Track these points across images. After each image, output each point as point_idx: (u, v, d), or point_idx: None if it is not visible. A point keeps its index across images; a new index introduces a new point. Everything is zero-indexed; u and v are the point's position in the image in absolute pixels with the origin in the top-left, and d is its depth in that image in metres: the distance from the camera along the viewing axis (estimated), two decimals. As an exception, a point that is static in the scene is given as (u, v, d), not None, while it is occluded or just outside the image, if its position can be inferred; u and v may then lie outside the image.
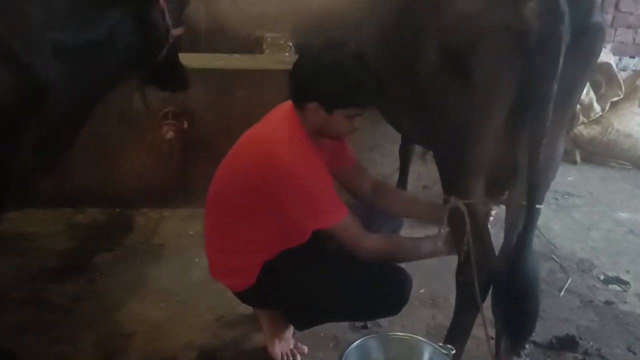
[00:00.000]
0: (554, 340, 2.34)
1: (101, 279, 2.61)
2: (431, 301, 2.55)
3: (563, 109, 1.66)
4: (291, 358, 2.19)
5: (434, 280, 2.57)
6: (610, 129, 4.01)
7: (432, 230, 1.96)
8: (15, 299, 2.43)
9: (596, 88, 3.99)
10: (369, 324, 2.34)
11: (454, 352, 1.79)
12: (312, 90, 1.78)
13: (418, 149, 3.22)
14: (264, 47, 3.45)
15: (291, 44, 3.48)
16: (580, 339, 2.37)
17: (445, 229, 1.85)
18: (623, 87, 4.00)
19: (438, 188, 1.96)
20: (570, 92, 1.69)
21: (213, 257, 2.06)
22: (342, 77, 1.73)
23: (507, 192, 1.88)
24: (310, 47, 1.84)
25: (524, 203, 1.66)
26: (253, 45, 3.50)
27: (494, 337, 1.94)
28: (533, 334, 2.07)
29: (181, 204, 3.15)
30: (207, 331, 2.33)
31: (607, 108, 4.02)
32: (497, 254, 1.88)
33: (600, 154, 4.08)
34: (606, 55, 4.02)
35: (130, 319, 2.37)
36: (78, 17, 1.87)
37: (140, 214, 3.13)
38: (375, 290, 1.88)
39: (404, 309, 1.98)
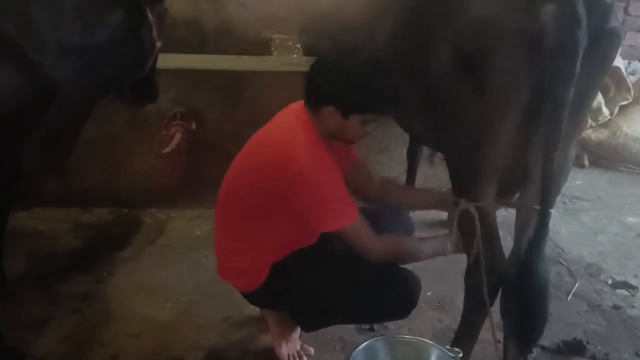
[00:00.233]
0: (561, 345, 2.33)
1: (108, 279, 2.62)
2: (438, 304, 2.54)
3: (576, 114, 1.65)
4: (298, 359, 2.19)
5: (441, 282, 2.56)
6: (619, 132, 3.98)
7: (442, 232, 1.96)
8: (23, 297, 2.43)
9: (605, 92, 3.97)
10: (375, 326, 2.34)
11: (461, 355, 1.79)
12: (330, 95, 1.76)
13: (426, 151, 3.22)
14: (272, 48, 3.45)
15: (299, 46, 3.48)
16: (588, 343, 2.36)
17: (455, 230, 1.85)
18: (632, 91, 3.98)
19: (446, 191, 1.96)
20: (584, 97, 1.69)
21: (223, 258, 2.06)
22: (362, 82, 1.73)
23: (517, 195, 1.88)
24: (329, 51, 1.83)
25: (537, 207, 1.65)
26: (261, 47, 3.49)
27: (502, 340, 1.93)
28: (540, 337, 2.06)
29: (188, 204, 3.16)
30: (214, 332, 2.33)
31: (615, 112, 4.00)
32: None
33: (608, 157, 4.06)
34: (615, 59, 4.00)
35: (137, 319, 2.37)
36: (80, 19, 1.92)
37: (148, 214, 3.13)
38: (384, 292, 1.88)
39: (411, 312, 1.98)
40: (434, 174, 3.36)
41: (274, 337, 2.21)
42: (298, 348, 2.21)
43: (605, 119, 4.00)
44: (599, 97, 3.93)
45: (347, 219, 1.82)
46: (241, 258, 1.98)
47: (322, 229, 1.89)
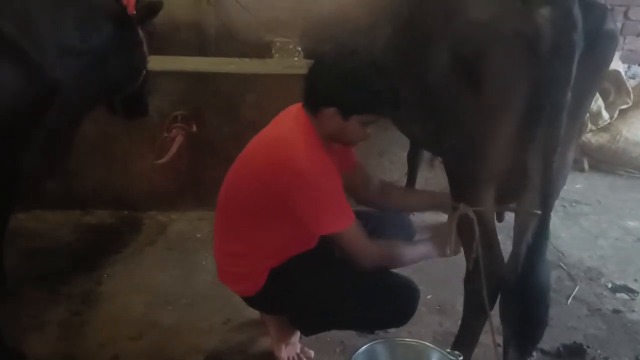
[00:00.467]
0: (561, 348, 2.33)
1: (108, 281, 2.62)
2: (438, 307, 2.54)
3: (574, 116, 1.65)
4: (297, 362, 2.19)
5: (441, 286, 2.56)
6: (618, 137, 3.99)
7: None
8: (23, 298, 2.43)
9: (605, 96, 3.97)
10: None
11: (461, 358, 1.78)
12: (330, 96, 1.77)
13: (426, 155, 3.22)
14: (273, 51, 3.46)
15: (300, 49, 3.49)
16: (588, 347, 2.36)
17: (453, 234, 1.85)
18: (632, 95, 3.98)
19: (446, 194, 1.96)
20: (582, 99, 1.69)
21: (222, 262, 2.06)
22: (362, 84, 1.73)
23: (516, 199, 1.88)
24: (328, 53, 1.84)
25: (537, 212, 1.65)
26: (262, 50, 3.50)
27: (502, 344, 1.93)
28: (540, 341, 2.06)
29: (189, 206, 3.16)
30: (214, 335, 2.33)
31: (615, 116, 4.00)
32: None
33: (608, 162, 4.06)
34: (615, 63, 3.99)
35: (137, 322, 2.37)
36: (78, 24, 1.96)
37: (149, 216, 3.14)
38: (383, 298, 1.88)
39: (410, 316, 1.98)
40: (434, 177, 3.36)
41: (273, 340, 2.21)
42: (298, 351, 2.21)
43: (605, 123, 4.00)
44: (599, 101, 3.93)
45: (343, 222, 1.82)
46: (240, 261, 1.97)
47: (317, 231, 1.89)
